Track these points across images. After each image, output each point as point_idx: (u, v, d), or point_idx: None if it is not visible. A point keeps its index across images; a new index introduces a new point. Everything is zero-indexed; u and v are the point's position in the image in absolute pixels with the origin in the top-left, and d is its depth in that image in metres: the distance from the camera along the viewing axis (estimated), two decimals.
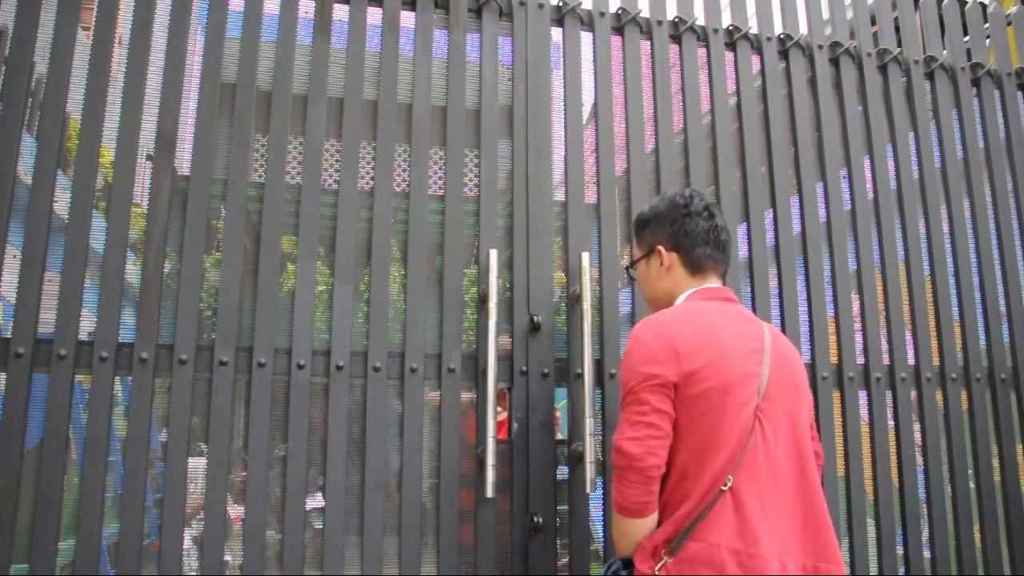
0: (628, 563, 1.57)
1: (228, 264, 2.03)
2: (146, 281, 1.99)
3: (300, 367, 2.02)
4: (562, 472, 2.18)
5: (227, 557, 1.99)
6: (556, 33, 2.45)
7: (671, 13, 2.55)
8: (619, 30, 2.49)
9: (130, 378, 1.96)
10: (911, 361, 2.50)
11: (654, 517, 1.53)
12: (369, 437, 2.03)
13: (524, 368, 2.17)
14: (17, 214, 1.99)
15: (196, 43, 2.19)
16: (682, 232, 1.74)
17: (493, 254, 2.13)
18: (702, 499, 1.46)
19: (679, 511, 1.48)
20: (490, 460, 1.96)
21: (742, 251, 2.45)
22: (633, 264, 1.88)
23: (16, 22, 2.06)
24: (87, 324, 1.99)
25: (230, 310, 2.01)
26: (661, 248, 1.76)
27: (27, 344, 1.88)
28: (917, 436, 2.47)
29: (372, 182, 2.20)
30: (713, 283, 1.74)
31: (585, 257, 2.21)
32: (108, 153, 2.07)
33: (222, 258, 2.03)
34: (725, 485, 1.45)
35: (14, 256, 1.94)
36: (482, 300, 2.15)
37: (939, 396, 2.51)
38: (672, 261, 1.75)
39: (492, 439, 1.97)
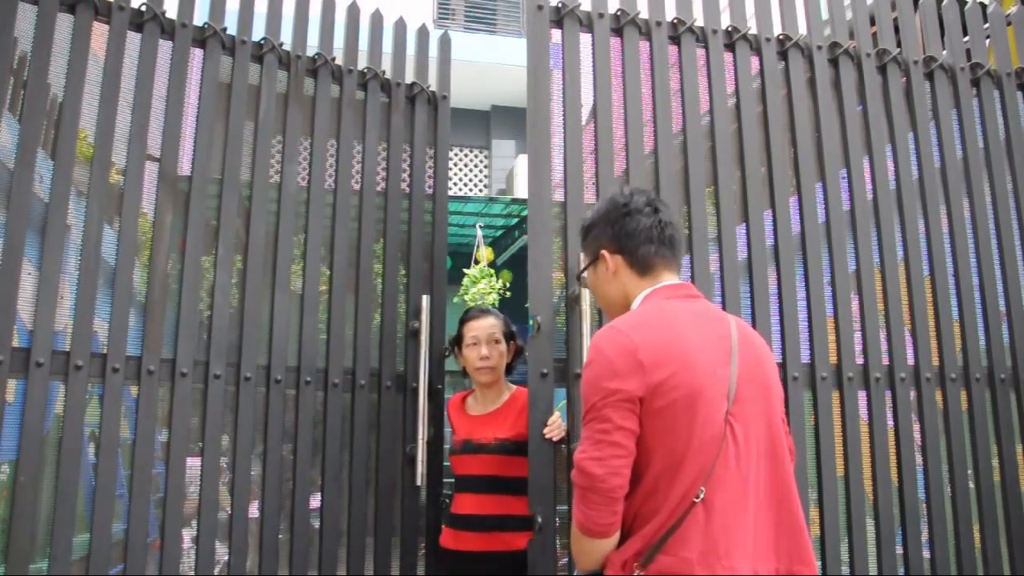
0: None
1: (220, 292, 2.48)
2: (151, 303, 2.38)
3: (277, 381, 2.54)
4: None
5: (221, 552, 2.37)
6: (555, 34, 2.46)
7: (670, 14, 2.55)
8: (618, 31, 2.49)
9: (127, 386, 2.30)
10: (910, 361, 2.50)
11: (618, 535, 1.47)
12: (328, 440, 2.59)
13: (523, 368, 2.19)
14: (34, 234, 2.23)
15: (191, 88, 2.58)
16: (623, 233, 1.64)
17: (425, 299, 2.79)
18: (672, 513, 1.41)
19: (648, 526, 1.43)
20: (420, 456, 2.63)
21: (741, 252, 2.45)
22: (581, 273, 1.81)
23: (33, 49, 2.28)
24: (99, 338, 2.28)
25: (221, 334, 2.46)
26: (605, 252, 1.66)
27: (46, 355, 2.17)
28: (916, 436, 2.47)
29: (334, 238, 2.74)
30: (669, 280, 1.64)
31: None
32: (118, 181, 2.39)
33: (215, 288, 2.48)
34: (697, 497, 1.40)
35: (28, 273, 2.20)
36: (414, 334, 2.79)
37: (938, 396, 2.51)
38: (618, 264, 1.65)
39: (422, 441, 2.64)
